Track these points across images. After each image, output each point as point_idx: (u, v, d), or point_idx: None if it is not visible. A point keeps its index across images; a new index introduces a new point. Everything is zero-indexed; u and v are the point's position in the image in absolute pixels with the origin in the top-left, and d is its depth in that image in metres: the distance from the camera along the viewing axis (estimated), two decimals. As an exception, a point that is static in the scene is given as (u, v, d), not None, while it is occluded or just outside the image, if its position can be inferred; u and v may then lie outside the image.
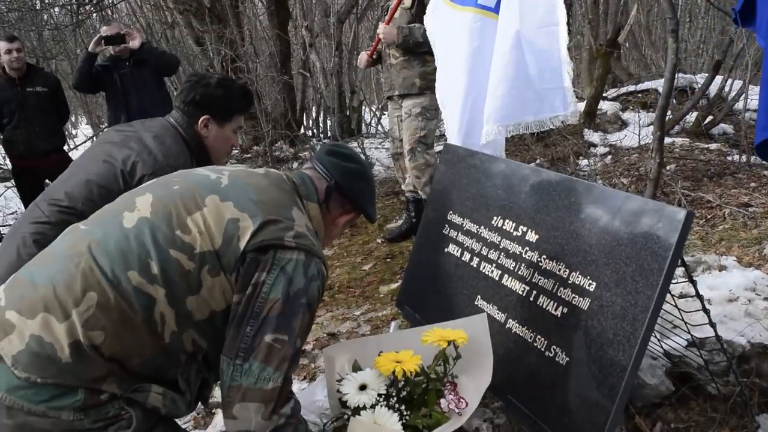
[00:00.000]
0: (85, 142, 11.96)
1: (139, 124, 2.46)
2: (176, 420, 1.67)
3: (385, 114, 7.92)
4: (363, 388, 1.75)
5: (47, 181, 5.64)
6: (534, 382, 1.94)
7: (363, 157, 1.98)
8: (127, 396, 1.41)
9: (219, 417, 2.85)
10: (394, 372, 1.72)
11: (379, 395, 1.73)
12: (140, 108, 5.22)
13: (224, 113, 2.37)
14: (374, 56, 4.41)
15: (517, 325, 2.05)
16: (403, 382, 1.75)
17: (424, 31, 4.10)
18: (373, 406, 1.70)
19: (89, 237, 1.46)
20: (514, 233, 2.17)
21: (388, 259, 4.14)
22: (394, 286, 3.71)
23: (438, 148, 6.10)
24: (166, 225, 1.44)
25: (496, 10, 3.16)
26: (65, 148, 5.75)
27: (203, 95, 2.33)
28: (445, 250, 2.48)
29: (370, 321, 3.36)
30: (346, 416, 1.77)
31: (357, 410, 1.72)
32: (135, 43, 5.09)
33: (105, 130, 6.99)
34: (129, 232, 1.43)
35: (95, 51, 5.08)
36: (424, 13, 4.15)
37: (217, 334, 1.46)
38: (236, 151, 8.94)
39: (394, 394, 1.75)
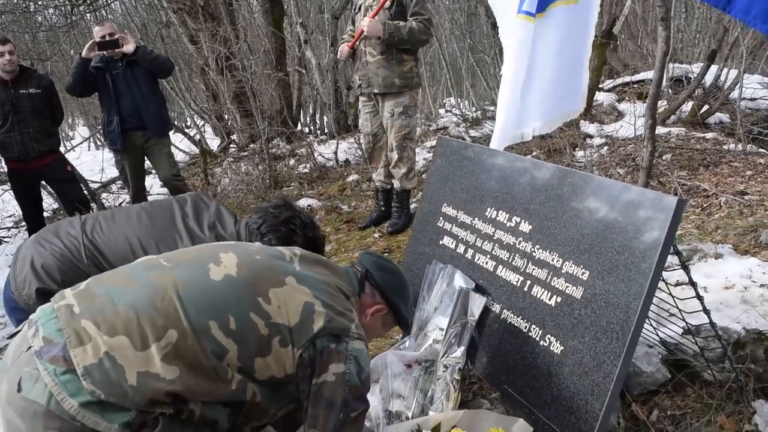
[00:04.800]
0: (81, 143, 11.97)
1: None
2: None
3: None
4: None
5: (43, 182, 5.64)
6: (529, 372, 1.95)
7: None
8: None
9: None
10: None
11: None
12: (133, 110, 5.20)
13: None
14: (354, 48, 4.43)
15: (512, 315, 2.06)
16: None
17: (410, 29, 4.15)
18: None
19: (174, 276, 1.55)
20: (508, 224, 2.18)
21: (386, 254, 4.14)
22: (391, 280, 3.71)
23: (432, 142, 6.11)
24: (251, 290, 1.57)
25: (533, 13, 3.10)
26: (61, 149, 5.72)
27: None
28: (440, 242, 2.48)
29: (367, 315, 3.36)
30: None
31: None
32: (129, 47, 5.06)
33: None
34: (216, 285, 1.55)
35: (89, 56, 5.05)
36: (403, 14, 4.21)
37: (268, 393, 1.60)
38: (233, 149, 8.94)
39: None
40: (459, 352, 2.14)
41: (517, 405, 1.99)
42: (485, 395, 2.49)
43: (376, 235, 4.50)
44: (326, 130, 8.95)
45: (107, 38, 4.99)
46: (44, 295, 2.10)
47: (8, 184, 7.44)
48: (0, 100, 5.12)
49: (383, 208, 4.69)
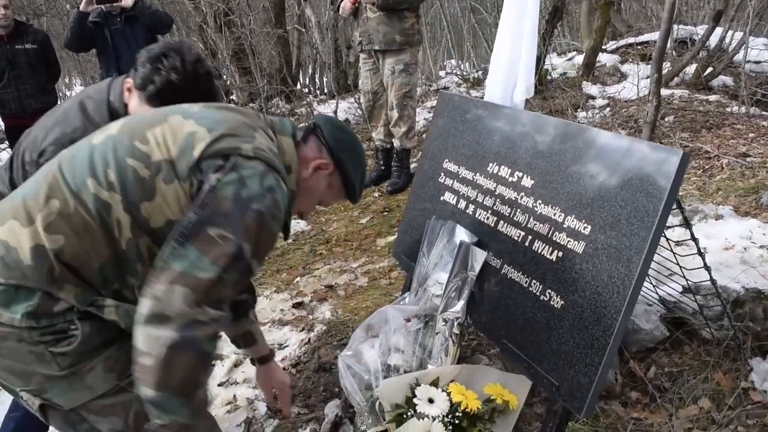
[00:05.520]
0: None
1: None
2: None
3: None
4: (431, 401, 1.95)
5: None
6: (529, 326, 1.94)
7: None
8: (84, 309, 1.43)
9: (219, 368, 2.88)
10: (450, 401, 1.94)
11: (443, 414, 1.93)
12: (132, 65, 5.13)
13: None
14: (356, 4, 4.36)
15: (513, 270, 2.05)
16: (461, 414, 1.92)
17: None
18: (433, 418, 1.91)
19: (62, 156, 1.52)
20: (510, 179, 2.16)
21: (385, 213, 4.14)
22: (391, 238, 3.71)
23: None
24: (128, 138, 1.47)
25: None
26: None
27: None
28: (441, 198, 2.47)
29: (367, 273, 3.38)
30: (406, 414, 1.96)
31: (420, 415, 1.92)
32: (128, 1, 4.98)
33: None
34: (95, 148, 1.48)
35: (86, 10, 4.97)
36: None
37: None
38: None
39: (450, 418, 1.92)
40: (458, 306, 2.15)
41: (516, 359, 1.99)
42: (484, 351, 2.51)
43: (376, 194, 4.49)
44: (326, 90, 8.88)
45: None
46: None
47: (6, 142, 7.42)
48: (-6, 55, 5.07)
49: (383, 168, 4.67)
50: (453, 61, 13.73)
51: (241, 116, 1.56)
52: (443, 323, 2.18)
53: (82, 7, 4.98)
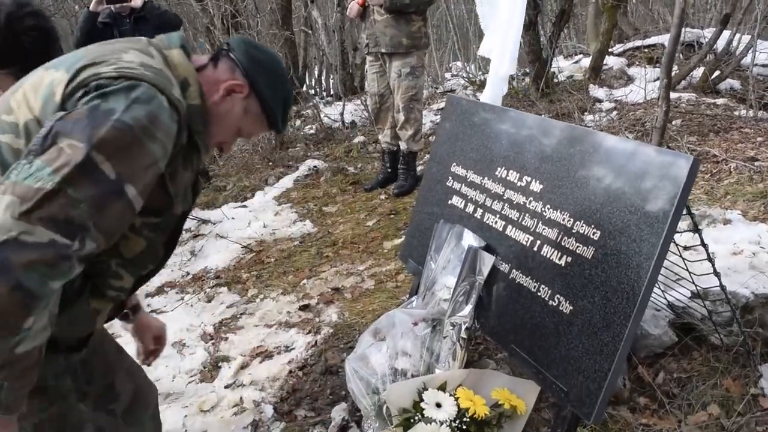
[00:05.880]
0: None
1: None
2: None
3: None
4: (438, 406, 1.94)
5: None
6: (538, 331, 1.94)
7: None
8: None
9: (225, 370, 2.88)
10: (458, 405, 1.93)
11: (450, 418, 1.92)
12: (140, 66, 5.16)
13: None
14: (364, 6, 4.37)
15: (521, 275, 2.04)
16: (468, 419, 1.91)
17: None
18: (441, 423, 1.90)
19: None
20: (518, 183, 2.15)
21: (392, 215, 4.14)
22: (397, 241, 3.71)
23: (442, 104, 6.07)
24: None
25: None
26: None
27: None
28: (449, 202, 2.46)
29: (374, 276, 3.37)
30: (414, 419, 1.95)
31: (428, 419, 1.91)
32: (137, 1, 5.00)
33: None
34: None
35: (96, 10, 4.99)
36: None
37: None
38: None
39: (458, 423, 1.92)
40: (466, 310, 2.14)
41: (524, 364, 1.99)
42: (491, 355, 2.51)
43: (382, 197, 4.48)
44: (332, 92, 8.87)
45: None
46: None
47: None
48: (4, 55, 5.06)
49: (389, 170, 4.67)
50: (459, 63, 13.71)
51: (111, 45, 1.37)
52: (451, 327, 2.17)
53: (92, 6, 5.01)
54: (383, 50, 4.30)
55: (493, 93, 3.91)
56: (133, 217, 1.26)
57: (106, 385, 1.63)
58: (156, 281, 4.00)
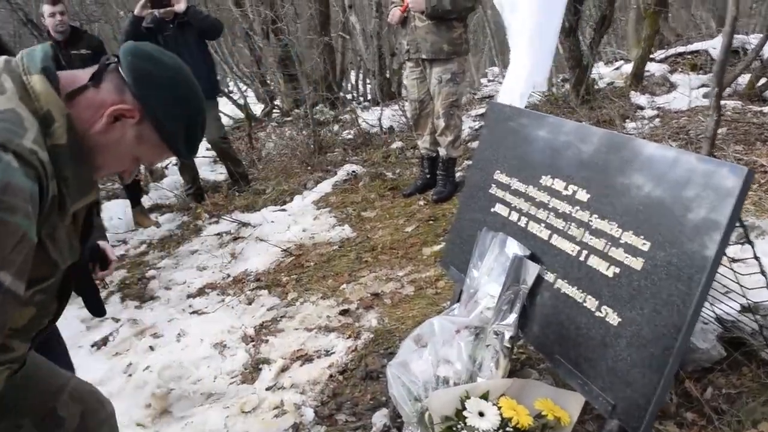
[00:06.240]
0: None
1: None
2: None
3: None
4: (481, 414, 1.92)
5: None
6: (584, 342, 1.92)
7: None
8: None
9: (266, 372, 2.91)
10: (501, 415, 1.89)
11: (493, 428, 1.89)
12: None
13: None
14: (406, 13, 4.38)
15: (567, 284, 2.03)
16: (511, 429, 1.88)
17: None
18: None
19: None
20: (564, 192, 2.13)
21: (431, 221, 4.13)
22: (437, 248, 3.71)
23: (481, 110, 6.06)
24: None
25: None
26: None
27: None
28: (492, 209, 2.45)
29: (413, 282, 3.38)
30: (456, 427, 1.93)
31: (470, 428, 1.89)
32: (180, 6, 5.12)
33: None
34: None
35: (141, 14, 5.12)
36: None
37: None
38: (276, 114, 8.94)
39: None
40: (511, 319, 2.13)
41: (569, 375, 1.97)
42: (533, 365, 2.49)
43: (421, 203, 4.48)
44: (369, 97, 8.91)
45: None
46: None
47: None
48: (51, 61, 5.21)
49: (428, 176, 4.67)
50: (495, 69, 13.65)
51: None
52: (494, 336, 2.16)
53: (136, 11, 5.14)
54: (424, 56, 4.31)
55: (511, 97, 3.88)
56: (19, 304, 1.09)
57: (47, 413, 1.53)
58: (197, 283, 4.07)
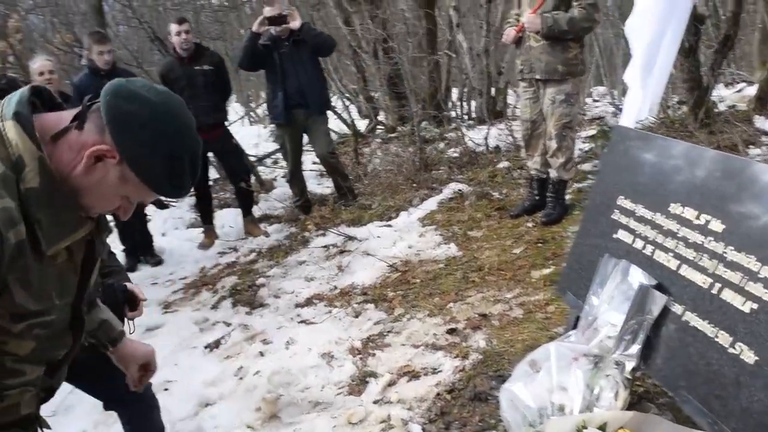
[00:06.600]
0: (237, 120, 12.67)
1: None
2: None
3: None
4: None
5: (209, 155, 6.03)
6: (715, 380, 1.83)
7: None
8: None
9: (373, 385, 2.95)
10: None
11: None
12: (297, 86, 5.47)
13: None
14: (521, 33, 4.35)
15: (697, 318, 1.94)
16: None
17: (570, 19, 4.03)
18: None
19: None
20: (695, 222, 2.05)
21: (539, 244, 4.07)
22: (546, 271, 3.64)
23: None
24: None
25: None
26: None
27: None
28: (614, 236, 2.39)
29: (522, 305, 3.33)
30: None
31: None
32: (295, 23, 5.34)
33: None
34: None
35: (259, 31, 5.37)
36: None
37: None
38: (380, 130, 9.08)
39: None
40: (633, 350, 2.07)
41: (697, 412, 1.88)
42: (652, 399, 2.39)
43: (529, 224, 4.42)
44: (473, 115, 8.89)
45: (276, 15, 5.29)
46: None
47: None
48: (176, 75, 5.52)
49: (537, 197, 4.61)
50: (601, 89, 13.29)
51: None
52: (615, 366, 2.10)
53: (254, 27, 5.40)
54: (538, 76, 4.27)
55: (629, 118, 3.80)
56: None
57: None
58: (305, 293, 4.19)
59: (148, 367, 1.78)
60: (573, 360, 2.20)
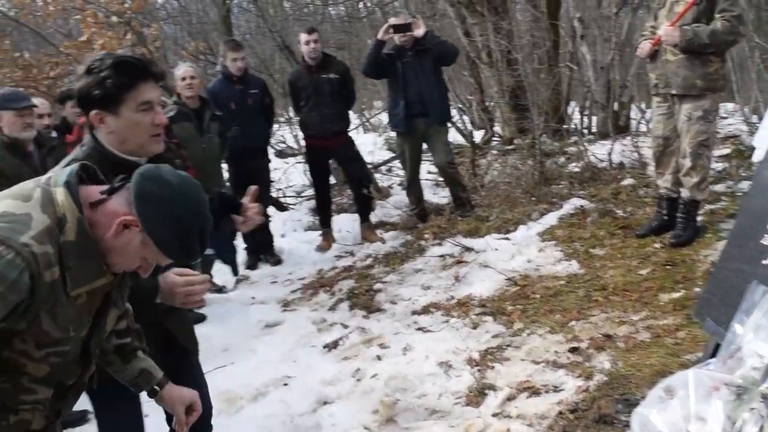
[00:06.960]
0: (353, 129, 12.93)
1: None
2: None
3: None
4: None
5: (330, 161, 6.21)
6: None
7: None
8: None
9: (491, 398, 2.93)
10: None
11: None
12: (418, 95, 5.55)
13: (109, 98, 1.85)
14: (657, 46, 4.19)
15: None
16: None
17: (711, 32, 3.84)
18: None
19: None
20: None
21: (668, 266, 3.90)
22: (676, 295, 3.49)
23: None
24: None
25: None
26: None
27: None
28: (763, 261, 2.26)
29: (649, 328, 3.21)
30: None
31: None
32: (419, 31, 5.45)
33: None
34: None
35: (384, 38, 5.51)
36: (712, 10, 3.88)
37: None
38: (496, 142, 9.00)
39: None
40: (784, 385, 1.94)
41: None
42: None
43: (657, 245, 4.24)
44: (594, 129, 8.64)
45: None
46: None
47: (296, 157, 8.33)
48: (303, 83, 5.75)
49: (665, 217, 4.41)
50: (729, 106, 12.49)
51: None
52: (761, 399, 1.99)
53: (380, 35, 5.55)
54: (674, 91, 4.09)
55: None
56: None
57: None
58: (422, 301, 4.23)
59: (192, 408, 1.96)
60: (713, 389, 2.09)
